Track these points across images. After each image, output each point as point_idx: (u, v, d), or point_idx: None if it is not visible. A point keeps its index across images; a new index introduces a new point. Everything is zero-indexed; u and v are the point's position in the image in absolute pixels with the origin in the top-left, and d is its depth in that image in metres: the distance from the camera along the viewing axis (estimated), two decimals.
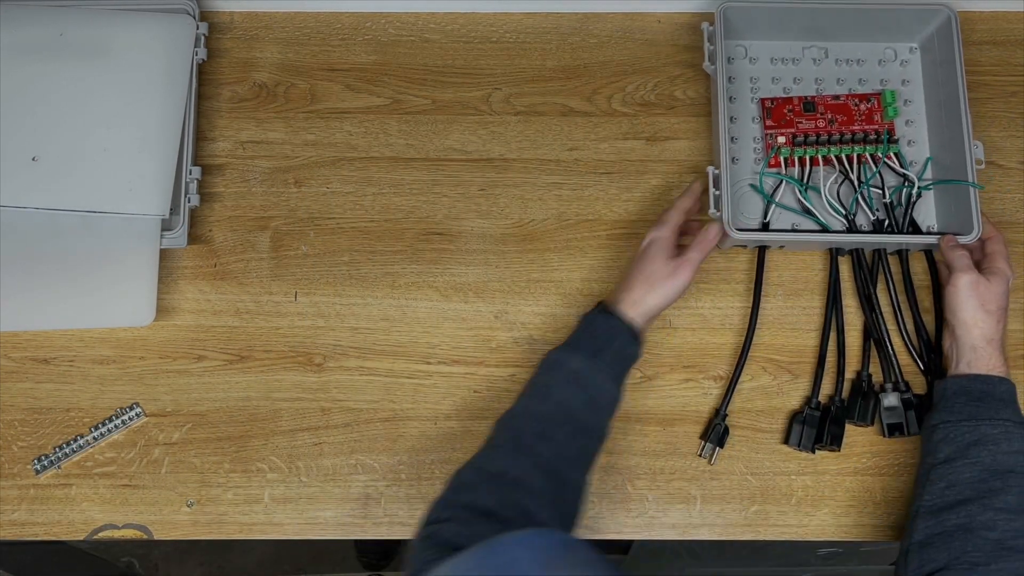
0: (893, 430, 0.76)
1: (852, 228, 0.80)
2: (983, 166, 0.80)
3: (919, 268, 0.81)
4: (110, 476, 0.76)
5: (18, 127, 0.80)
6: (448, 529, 0.59)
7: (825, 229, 0.81)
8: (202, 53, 0.84)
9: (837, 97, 0.84)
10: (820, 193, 0.81)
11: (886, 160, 0.82)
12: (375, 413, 0.78)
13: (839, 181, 0.82)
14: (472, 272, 0.81)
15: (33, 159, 0.79)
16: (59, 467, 0.76)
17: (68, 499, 0.76)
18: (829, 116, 0.83)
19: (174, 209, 0.79)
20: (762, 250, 0.81)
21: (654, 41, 0.88)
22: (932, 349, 0.79)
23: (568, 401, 0.67)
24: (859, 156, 0.82)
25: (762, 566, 1.17)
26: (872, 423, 0.77)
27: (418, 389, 0.79)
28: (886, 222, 0.80)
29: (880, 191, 0.81)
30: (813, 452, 0.77)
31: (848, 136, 0.82)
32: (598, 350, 0.69)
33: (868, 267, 0.80)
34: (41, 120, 0.80)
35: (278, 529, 0.76)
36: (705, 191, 0.79)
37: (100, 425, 0.77)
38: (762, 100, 0.84)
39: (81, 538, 0.76)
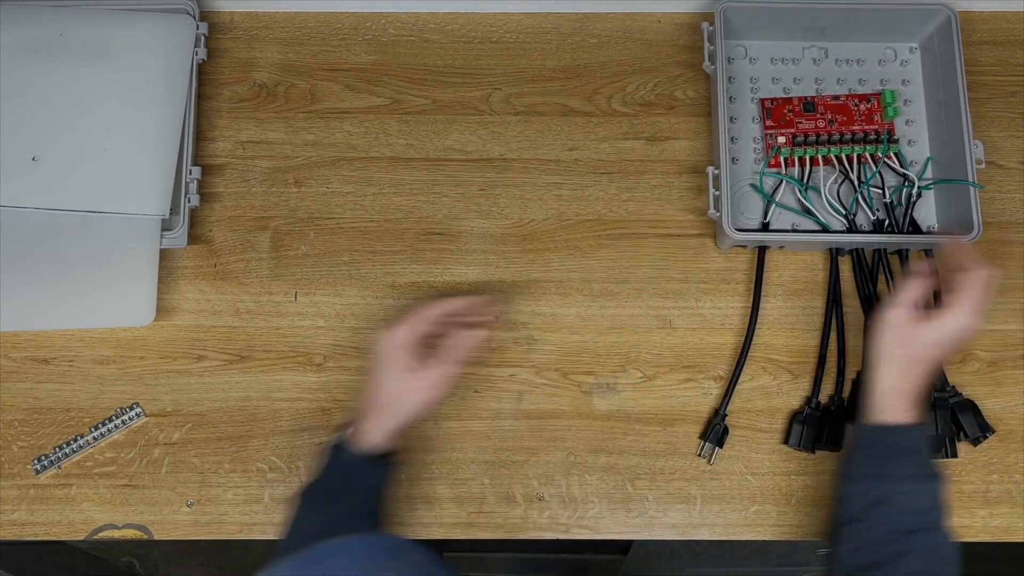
0: None
1: (852, 228, 0.80)
2: (983, 166, 0.80)
3: None
4: (110, 476, 0.76)
5: (18, 127, 0.80)
6: None
7: (825, 229, 0.81)
8: (202, 53, 0.84)
9: (837, 97, 0.84)
10: (820, 193, 0.81)
11: (886, 160, 0.82)
12: None
13: (839, 181, 0.82)
14: (472, 272, 0.81)
15: (33, 159, 0.79)
16: (59, 467, 0.76)
17: (68, 499, 0.76)
18: (829, 116, 0.83)
19: (174, 209, 0.79)
20: (762, 250, 0.81)
21: (654, 41, 0.88)
22: None
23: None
24: (859, 156, 0.82)
25: (762, 566, 1.17)
26: None
27: None
28: (886, 222, 0.80)
29: (880, 191, 0.81)
30: (813, 452, 0.77)
31: (848, 136, 0.82)
32: (337, 497, 0.66)
33: (868, 267, 0.80)
34: (41, 120, 0.80)
35: (278, 529, 0.76)
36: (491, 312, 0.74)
37: (100, 425, 0.77)
38: (762, 100, 0.84)
39: (81, 538, 0.76)
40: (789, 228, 0.82)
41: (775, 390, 0.79)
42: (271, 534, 0.76)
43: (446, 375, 0.68)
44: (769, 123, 0.83)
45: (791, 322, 0.80)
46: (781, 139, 0.83)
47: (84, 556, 1.26)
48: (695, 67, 0.86)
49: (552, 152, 0.84)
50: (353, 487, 0.66)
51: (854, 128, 0.83)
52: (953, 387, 0.78)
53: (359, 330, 0.80)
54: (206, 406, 0.78)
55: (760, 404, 0.79)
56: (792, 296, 0.81)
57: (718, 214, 0.77)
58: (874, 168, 0.81)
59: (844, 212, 0.81)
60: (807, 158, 0.82)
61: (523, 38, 0.88)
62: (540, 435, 0.77)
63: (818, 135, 0.82)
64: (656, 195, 0.83)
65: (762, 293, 0.80)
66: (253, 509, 0.76)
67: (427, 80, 0.86)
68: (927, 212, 0.82)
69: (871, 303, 0.79)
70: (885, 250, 0.80)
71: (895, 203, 0.81)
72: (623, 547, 1.11)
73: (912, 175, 0.81)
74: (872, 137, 0.82)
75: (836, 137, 0.82)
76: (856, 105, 0.83)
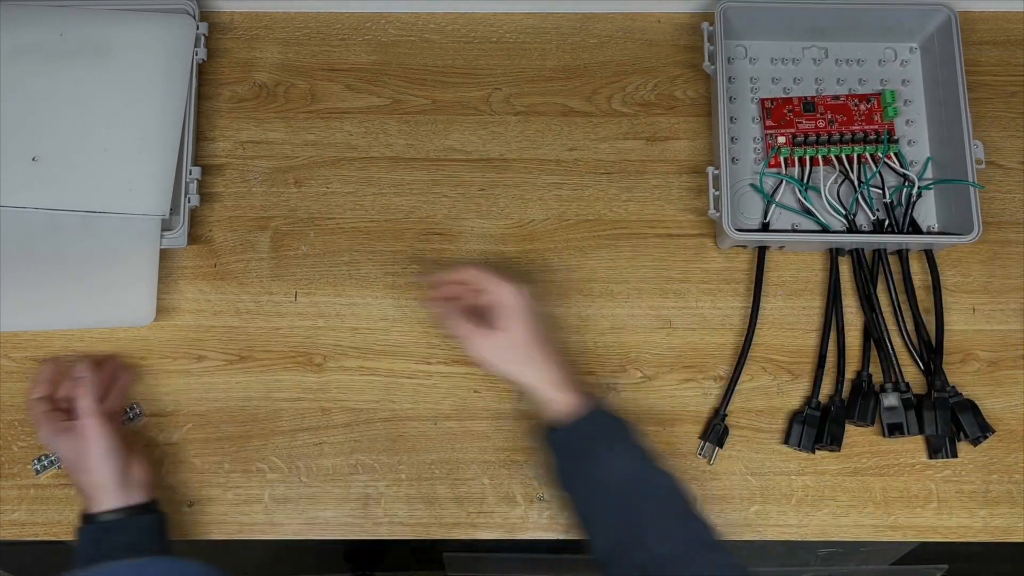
0: (893, 430, 0.76)
1: (852, 228, 0.80)
2: (983, 166, 0.80)
3: (919, 268, 0.81)
4: None
5: (18, 127, 0.80)
6: None
7: (825, 229, 0.81)
8: (202, 53, 0.84)
9: (837, 97, 0.84)
10: (820, 193, 0.81)
11: (886, 160, 0.82)
12: (375, 413, 0.78)
13: (839, 181, 0.82)
14: None
15: (33, 159, 0.79)
16: (59, 467, 0.76)
17: (68, 499, 0.76)
18: (829, 116, 0.83)
19: (174, 209, 0.79)
20: (762, 250, 0.81)
21: (654, 41, 0.88)
22: (932, 349, 0.79)
23: None
24: (859, 156, 0.82)
25: (762, 566, 1.17)
26: (872, 423, 0.77)
27: (418, 389, 0.79)
28: (886, 222, 0.80)
29: (880, 191, 0.81)
30: (813, 452, 0.77)
31: (848, 136, 0.82)
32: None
33: (868, 267, 0.80)
34: (41, 120, 0.80)
35: (278, 529, 0.76)
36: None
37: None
38: (762, 100, 0.84)
39: None
40: (789, 228, 0.82)
41: (775, 390, 0.79)
42: (271, 534, 0.76)
43: (89, 425, 0.67)
44: (769, 123, 0.83)
45: (791, 322, 0.80)
46: (781, 139, 0.83)
47: None
48: (695, 67, 0.86)
49: (552, 152, 0.84)
50: (108, 550, 0.64)
51: (854, 128, 0.83)
52: (953, 387, 0.78)
53: (359, 330, 0.80)
54: (206, 406, 0.78)
55: (760, 404, 0.79)
56: (792, 296, 0.81)
57: (718, 214, 0.77)
58: (874, 168, 0.81)
59: (844, 212, 0.81)
60: (807, 158, 0.82)
61: (523, 38, 0.88)
62: (540, 435, 0.77)
63: (818, 135, 0.82)
64: (656, 195, 0.83)
65: (762, 293, 0.80)
66: (253, 509, 0.76)
67: (427, 80, 0.86)
68: (927, 212, 0.82)
69: (871, 303, 0.79)
70: (885, 250, 0.80)
71: (895, 203, 0.81)
72: None
73: (912, 175, 0.81)
74: (872, 137, 0.82)
75: (836, 137, 0.82)
76: (856, 105, 0.83)
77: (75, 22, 0.83)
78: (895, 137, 0.83)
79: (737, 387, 0.78)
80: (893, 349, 0.78)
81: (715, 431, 0.77)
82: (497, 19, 0.88)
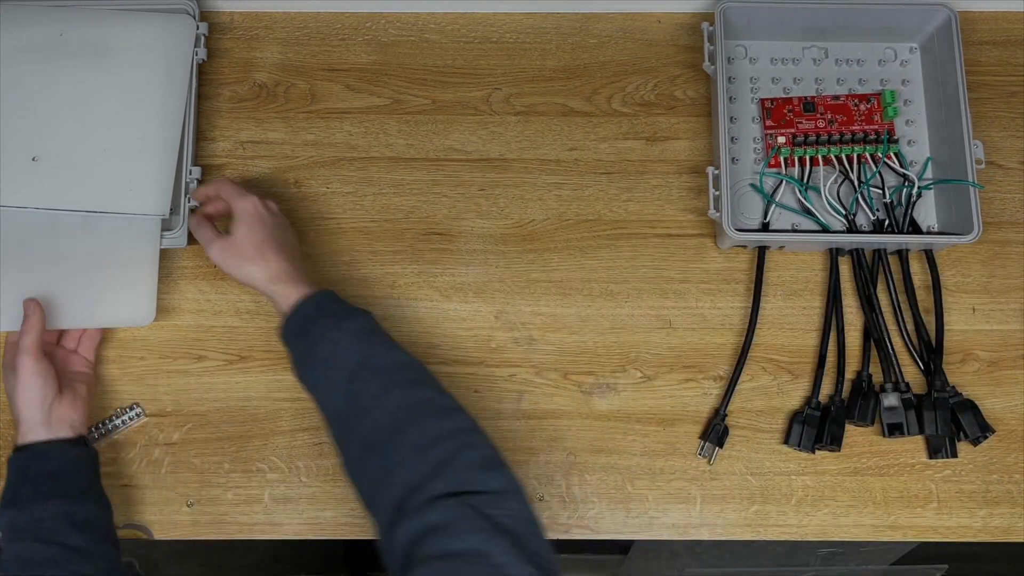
0: (893, 430, 0.76)
1: (852, 228, 0.80)
2: (983, 166, 0.80)
3: (919, 268, 0.81)
4: (110, 476, 0.76)
5: (18, 127, 0.79)
6: None
7: (825, 229, 0.81)
8: (202, 53, 0.84)
9: (837, 97, 0.84)
10: (820, 193, 0.81)
11: (886, 160, 0.82)
12: None
13: (839, 181, 0.82)
14: (472, 272, 0.81)
15: (33, 159, 0.79)
16: None
17: None
18: (829, 116, 0.83)
19: (174, 209, 0.79)
20: (762, 250, 0.81)
21: (654, 41, 0.88)
22: (932, 349, 0.79)
23: None
24: (859, 156, 0.82)
25: (762, 566, 1.17)
26: (872, 423, 0.77)
27: None
28: (886, 222, 0.80)
29: (880, 191, 0.81)
30: (813, 452, 0.77)
31: (848, 136, 0.82)
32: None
33: (868, 267, 0.80)
34: (41, 120, 0.80)
35: (278, 529, 0.76)
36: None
37: (100, 425, 0.77)
38: (762, 100, 0.84)
39: None
40: (789, 228, 0.82)
41: (775, 390, 0.79)
42: (271, 534, 0.76)
43: (22, 362, 0.70)
44: (769, 123, 0.83)
45: (791, 322, 0.80)
46: (781, 139, 0.83)
47: None
48: (695, 67, 0.86)
49: (552, 152, 0.84)
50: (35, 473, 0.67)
51: (854, 128, 0.83)
52: (953, 387, 0.78)
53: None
54: (206, 406, 0.78)
55: (760, 404, 0.79)
56: (792, 296, 0.81)
57: (718, 214, 0.77)
58: (874, 168, 0.81)
59: (844, 212, 0.81)
60: (807, 158, 0.82)
61: (523, 38, 0.88)
62: (540, 435, 0.77)
63: (818, 135, 0.82)
64: (656, 195, 0.83)
65: (762, 293, 0.80)
66: (253, 509, 0.76)
67: (427, 80, 0.86)
68: (927, 212, 0.82)
69: (871, 303, 0.79)
70: (885, 250, 0.80)
71: (895, 203, 0.81)
72: (623, 547, 1.11)
73: (912, 175, 0.81)
74: (872, 137, 0.82)
75: (836, 137, 0.82)
76: (856, 105, 0.83)
77: (75, 22, 0.83)
78: (895, 137, 0.83)
79: (737, 387, 0.78)
80: (893, 349, 0.78)
81: (715, 431, 0.77)
82: (497, 19, 0.88)
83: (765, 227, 0.81)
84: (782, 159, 0.82)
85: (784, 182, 0.82)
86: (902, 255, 0.81)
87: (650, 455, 0.77)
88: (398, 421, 0.61)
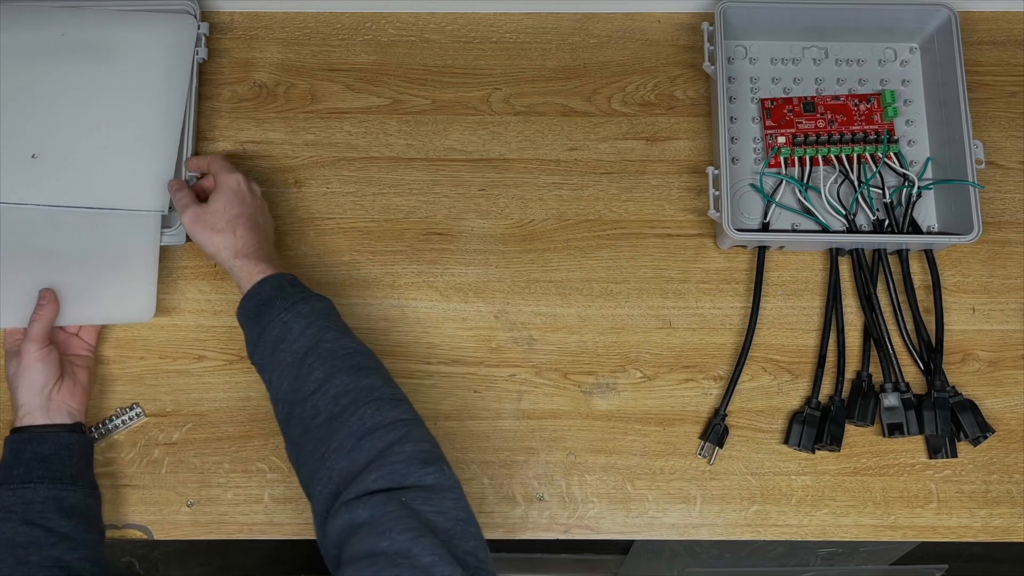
0: (893, 430, 0.76)
1: (852, 228, 0.80)
2: (983, 166, 0.80)
3: (919, 268, 0.81)
4: (110, 476, 0.76)
5: (18, 125, 0.80)
6: None
7: (825, 229, 0.81)
8: (202, 53, 0.84)
9: (837, 97, 0.84)
10: (820, 193, 0.81)
11: (886, 160, 0.82)
12: None
13: (839, 181, 0.82)
14: (472, 272, 0.81)
15: (33, 156, 0.79)
16: None
17: None
18: (829, 116, 0.83)
19: (174, 206, 0.79)
20: (762, 250, 0.81)
21: (654, 41, 0.88)
22: (932, 349, 0.79)
23: None
24: (859, 156, 0.82)
25: (762, 566, 1.17)
26: (872, 423, 0.77)
27: (418, 389, 0.78)
28: (886, 222, 0.80)
29: (880, 191, 0.81)
30: (813, 452, 0.77)
31: (848, 136, 0.82)
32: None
33: (868, 267, 0.80)
34: (41, 119, 0.80)
35: (278, 529, 0.76)
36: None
37: (100, 425, 0.77)
38: (762, 100, 0.84)
39: None
40: (789, 228, 0.82)
41: (775, 390, 0.79)
42: (271, 534, 0.76)
43: (33, 340, 0.71)
44: (769, 123, 0.83)
45: (791, 322, 0.80)
46: (781, 139, 0.83)
47: None
48: (695, 67, 0.86)
49: (552, 152, 0.84)
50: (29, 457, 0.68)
51: (854, 128, 0.83)
52: (953, 387, 0.78)
53: (359, 330, 0.79)
54: (206, 406, 0.78)
55: (760, 404, 0.79)
56: (792, 296, 0.81)
57: (718, 214, 0.77)
58: (874, 168, 0.81)
59: (844, 212, 0.81)
60: (807, 158, 0.82)
61: (523, 38, 0.88)
62: (540, 435, 0.77)
63: (818, 135, 0.82)
64: (656, 195, 0.83)
65: (762, 293, 0.80)
66: (253, 509, 0.76)
67: (427, 80, 0.86)
68: (927, 212, 0.82)
69: (871, 303, 0.79)
70: (885, 250, 0.80)
71: (895, 203, 0.81)
72: (623, 547, 1.11)
73: (912, 175, 0.81)
74: (872, 137, 0.82)
75: (836, 137, 0.82)
76: (856, 105, 0.83)
77: (76, 22, 0.83)
78: (895, 137, 0.83)
79: (737, 387, 0.78)
80: (893, 349, 0.78)
81: (715, 431, 0.77)
82: (497, 19, 0.88)
83: (765, 227, 0.81)
84: (782, 159, 0.82)
85: (784, 182, 0.82)
86: (902, 255, 0.81)
87: (650, 455, 0.77)
88: (339, 408, 0.61)
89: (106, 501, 0.75)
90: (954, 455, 0.76)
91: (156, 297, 0.77)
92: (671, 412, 0.78)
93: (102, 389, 0.78)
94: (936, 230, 0.82)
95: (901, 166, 0.82)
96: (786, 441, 0.77)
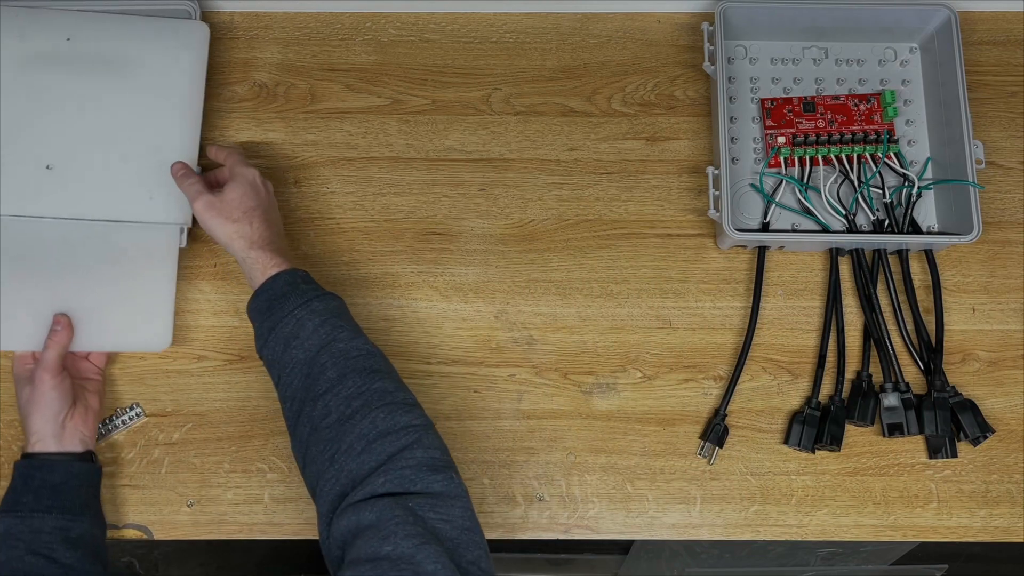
0: (893, 430, 0.76)
1: (852, 228, 0.80)
2: (983, 166, 0.80)
3: (919, 268, 0.81)
4: (110, 476, 0.76)
5: (30, 135, 0.77)
6: None
7: (825, 229, 0.81)
8: None
9: (837, 97, 0.84)
10: (820, 193, 0.81)
11: (886, 160, 0.82)
12: None
13: (839, 181, 0.82)
14: (472, 272, 0.81)
15: (47, 167, 0.76)
16: None
17: None
18: (829, 116, 0.83)
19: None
20: (762, 250, 0.81)
21: (654, 41, 0.88)
22: (932, 349, 0.79)
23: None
24: (859, 156, 0.82)
25: (762, 566, 1.17)
26: (872, 423, 0.77)
27: (418, 389, 0.78)
28: (886, 222, 0.80)
29: (880, 191, 0.81)
30: (813, 452, 0.77)
31: (848, 136, 0.82)
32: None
33: (868, 267, 0.80)
34: (54, 128, 0.77)
35: (278, 529, 0.76)
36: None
37: (100, 425, 0.76)
38: (762, 100, 0.84)
39: None
40: (789, 228, 0.82)
41: (775, 390, 0.79)
42: (271, 534, 0.76)
43: (47, 368, 0.70)
44: (769, 123, 0.83)
45: (791, 322, 0.80)
46: (781, 139, 0.83)
47: None
48: (695, 67, 0.86)
49: (552, 152, 0.84)
50: (38, 484, 0.68)
51: (854, 128, 0.83)
52: (953, 387, 0.78)
53: None
54: (206, 406, 0.78)
55: (760, 404, 0.79)
56: (792, 296, 0.81)
57: (718, 214, 0.77)
58: (874, 168, 0.81)
59: (844, 212, 0.81)
60: (807, 158, 0.82)
61: (523, 38, 0.88)
62: (540, 435, 0.77)
63: (818, 135, 0.82)
64: (656, 195, 0.83)
65: (762, 293, 0.80)
66: (253, 509, 0.76)
67: (427, 80, 0.86)
68: (927, 212, 0.82)
69: (871, 303, 0.79)
70: (885, 250, 0.80)
71: (895, 203, 0.81)
72: (623, 547, 1.11)
73: (912, 175, 0.81)
74: (872, 137, 0.82)
75: (836, 137, 0.82)
76: (856, 105, 0.83)
77: (83, 27, 0.81)
78: (895, 137, 0.83)
79: (737, 387, 0.78)
80: (893, 349, 0.78)
81: (715, 431, 0.77)
82: (497, 19, 0.88)
83: (765, 227, 0.81)
84: (782, 159, 0.82)
85: (784, 182, 0.82)
86: (902, 255, 0.81)
87: (650, 455, 0.77)
88: (350, 409, 0.61)
89: (106, 501, 0.75)
90: (954, 455, 0.76)
91: (173, 324, 0.75)
92: (671, 412, 0.78)
93: None
94: (936, 230, 0.82)
95: (901, 166, 0.82)
96: (786, 441, 0.77)
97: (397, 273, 0.81)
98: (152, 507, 0.76)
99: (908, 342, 0.79)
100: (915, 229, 0.81)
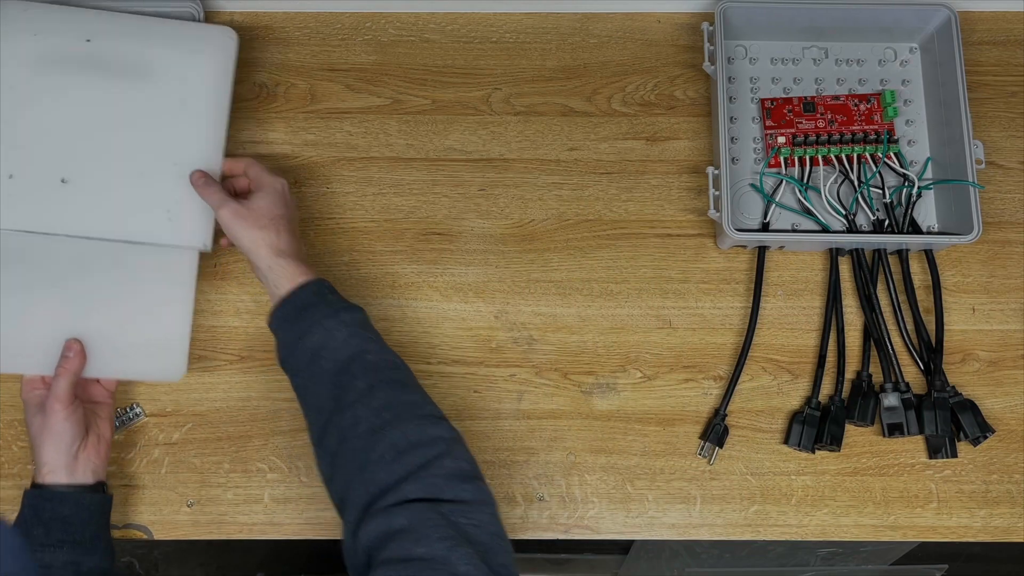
0: (893, 430, 0.76)
1: (852, 228, 0.80)
2: (983, 166, 0.80)
3: (919, 268, 0.81)
4: (110, 476, 0.76)
5: (45, 144, 0.72)
6: None
7: (825, 229, 0.81)
8: None
9: (837, 97, 0.84)
10: (820, 193, 0.81)
11: (886, 160, 0.82)
12: None
13: (839, 181, 0.82)
14: (472, 272, 0.81)
15: (62, 181, 0.72)
16: None
17: None
18: (829, 116, 0.83)
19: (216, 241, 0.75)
20: (762, 250, 0.81)
21: (654, 41, 0.88)
22: (932, 349, 0.79)
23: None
24: (859, 156, 0.82)
25: (762, 566, 1.17)
26: (872, 423, 0.77)
27: None
28: (886, 222, 0.80)
29: (880, 191, 0.81)
30: (813, 452, 0.77)
31: (848, 136, 0.82)
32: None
33: (868, 267, 0.80)
34: (70, 138, 0.73)
35: (278, 529, 0.76)
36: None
37: None
38: (762, 100, 0.84)
39: None
40: (789, 228, 0.82)
41: (775, 390, 0.79)
42: (271, 534, 0.76)
43: (60, 393, 0.68)
44: (769, 123, 0.83)
45: (791, 322, 0.80)
46: (781, 139, 0.83)
47: None
48: (695, 67, 0.86)
49: (552, 152, 0.84)
50: (51, 517, 0.66)
51: (854, 128, 0.83)
52: (953, 387, 0.78)
53: None
54: (206, 406, 0.78)
55: (760, 404, 0.79)
56: (792, 296, 0.81)
57: (718, 214, 0.77)
58: (874, 168, 0.81)
59: (844, 212, 0.81)
60: (807, 158, 0.82)
61: (523, 38, 0.88)
62: (540, 435, 0.78)
63: (818, 135, 0.82)
64: (656, 195, 0.83)
65: (762, 293, 0.80)
66: (253, 509, 0.76)
67: (427, 80, 0.86)
68: (927, 212, 0.82)
69: (871, 303, 0.79)
70: (885, 250, 0.80)
71: (895, 203, 0.81)
72: (623, 547, 1.11)
73: (912, 175, 0.81)
74: (872, 137, 0.82)
75: (836, 137, 0.82)
76: (856, 105, 0.83)
77: (104, 28, 0.75)
78: (895, 137, 0.83)
79: (737, 387, 0.78)
80: (893, 349, 0.78)
81: (715, 431, 0.77)
82: (497, 19, 0.88)
83: (765, 227, 0.81)
84: (782, 159, 0.82)
85: (784, 182, 0.82)
86: (902, 255, 0.81)
87: (650, 455, 0.77)
88: (381, 420, 0.61)
89: None
90: (954, 455, 0.76)
91: (189, 352, 0.73)
92: (671, 412, 0.78)
93: None
94: (936, 230, 0.82)
95: (901, 166, 0.82)
96: (786, 441, 0.77)
97: (397, 273, 0.81)
98: (152, 507, 0.76)
99: (908, 342, 0.79)
100: (915, 229, 0.81)
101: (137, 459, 0.77)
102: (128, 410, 0.77)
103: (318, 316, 0.66)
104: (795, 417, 0.77)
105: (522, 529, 0.76)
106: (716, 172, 0.78)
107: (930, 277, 0.80)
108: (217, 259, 0.81)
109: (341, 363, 0.64)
